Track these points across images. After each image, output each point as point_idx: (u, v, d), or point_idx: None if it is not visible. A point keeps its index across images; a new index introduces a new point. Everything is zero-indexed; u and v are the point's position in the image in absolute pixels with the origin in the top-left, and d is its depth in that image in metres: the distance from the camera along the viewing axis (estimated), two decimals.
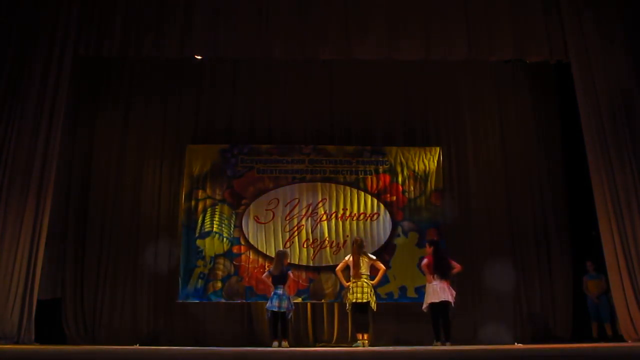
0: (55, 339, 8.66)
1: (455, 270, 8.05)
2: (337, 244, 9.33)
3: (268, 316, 8.09)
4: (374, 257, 8.17)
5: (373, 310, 7.95)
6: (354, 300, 7.87)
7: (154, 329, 9.22)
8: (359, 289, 7.86)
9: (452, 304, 7.87)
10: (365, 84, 9.97)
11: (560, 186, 9.81)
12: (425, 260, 8.11)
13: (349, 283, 7.99)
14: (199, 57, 8.92)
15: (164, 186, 9.72)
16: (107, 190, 9.57)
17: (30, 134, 7.86)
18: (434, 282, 7.87)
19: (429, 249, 8.19)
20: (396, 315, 9.21)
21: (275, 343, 7.84)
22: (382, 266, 8.14)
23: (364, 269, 7.95)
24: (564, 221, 9.70)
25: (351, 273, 7.97)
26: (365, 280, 7.91)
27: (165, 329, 9.22)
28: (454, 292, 7.90)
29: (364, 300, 7.83)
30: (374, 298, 7.94)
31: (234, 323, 9.32)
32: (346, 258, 8.18)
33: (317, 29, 8.31)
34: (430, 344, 7.95)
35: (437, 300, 7.79)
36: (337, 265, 8.36)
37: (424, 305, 7.96)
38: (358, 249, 8.06)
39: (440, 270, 7.91)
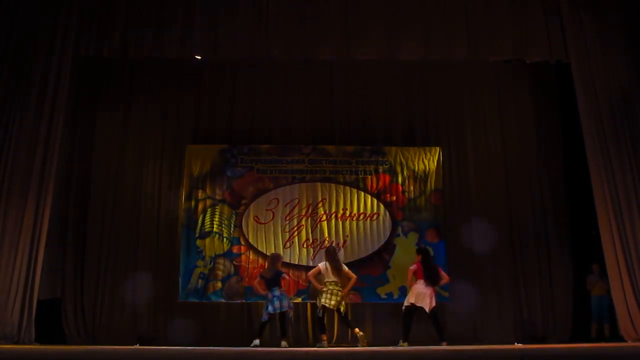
0: (55, 339, 8.65)
1: (443, 281, 8.18)
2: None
3: (264, 319, 8.11)
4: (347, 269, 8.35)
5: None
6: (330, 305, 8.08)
7: (154, 329, 9.22)
8: (334, 296, 8.09)
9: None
10: (365, 84, 9.97)
11: (560, 186, 9.79)
12: (413, 266, 8.18)
13: (324, 288, 8.15)
14: (199, 57, 8.93)
15: (163, 186, 9.72)
16: (107, 190, 9.56)
17: (30, 134, 7.86)
18: (421, 286, 7.93)
19: (417, 257, 8.21)
20: (396, 316, 9.17)
21: (257, 342, 7.88)
22: (353, 275, 8.27)
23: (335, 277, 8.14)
24: (564, 221, 9.68)
25: (330, 278, 8.14)
26: (337, 287, 8.12)
27: (165, 328, 9.21)
28: (437, 303, 8.01)
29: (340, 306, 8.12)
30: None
31: (234, 323, 9.32)
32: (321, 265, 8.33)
33: (317, 29, 8.30)
34: (431, 345, 7.96)
35: (419, 305, 7.88)
36: None
37: (405, 304, 8.02)
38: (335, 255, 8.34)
39: (429, 278, 7.97)
